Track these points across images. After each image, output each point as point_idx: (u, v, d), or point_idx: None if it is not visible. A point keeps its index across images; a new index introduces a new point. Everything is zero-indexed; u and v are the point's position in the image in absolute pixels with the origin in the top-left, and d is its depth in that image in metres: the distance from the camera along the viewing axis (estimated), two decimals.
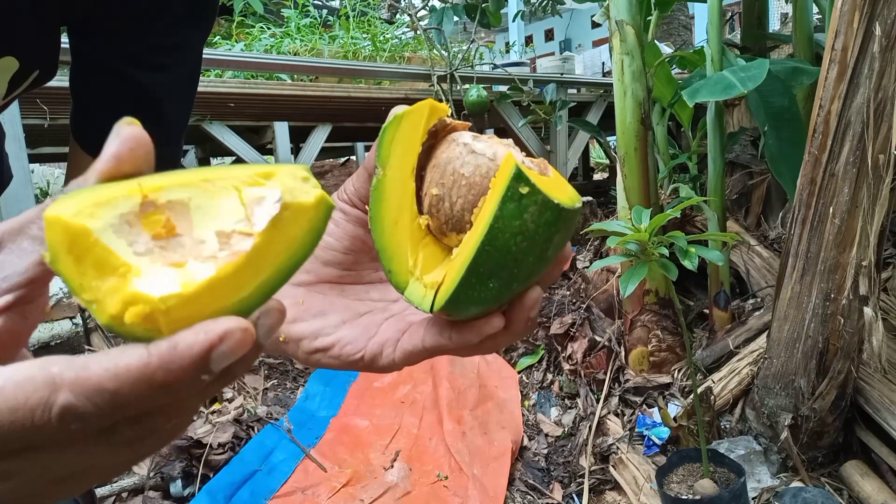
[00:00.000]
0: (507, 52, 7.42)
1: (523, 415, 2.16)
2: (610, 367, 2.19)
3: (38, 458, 0.23)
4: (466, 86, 2.90)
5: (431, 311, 0.33)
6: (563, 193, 0.31)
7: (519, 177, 0.29)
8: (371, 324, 0.38)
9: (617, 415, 2.06)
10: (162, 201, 0.24)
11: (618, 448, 1.89)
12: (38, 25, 0.50)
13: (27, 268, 0.25)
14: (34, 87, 0.54)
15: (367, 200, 0.38)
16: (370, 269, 0.41)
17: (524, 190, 0.29)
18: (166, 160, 0.61)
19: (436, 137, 0.36)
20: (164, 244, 0.24)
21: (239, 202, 0.25)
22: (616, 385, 2.15)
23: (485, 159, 0.33)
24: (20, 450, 0.23)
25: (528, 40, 12.07)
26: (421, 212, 0.36)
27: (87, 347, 2.10)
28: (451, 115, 0.37)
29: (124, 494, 1.71)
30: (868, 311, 1.48)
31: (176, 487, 1.72)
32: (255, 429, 1.98)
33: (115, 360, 0.22)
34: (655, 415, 1.95)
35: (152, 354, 0.22)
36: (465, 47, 3.25)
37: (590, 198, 3.24)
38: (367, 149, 7.60)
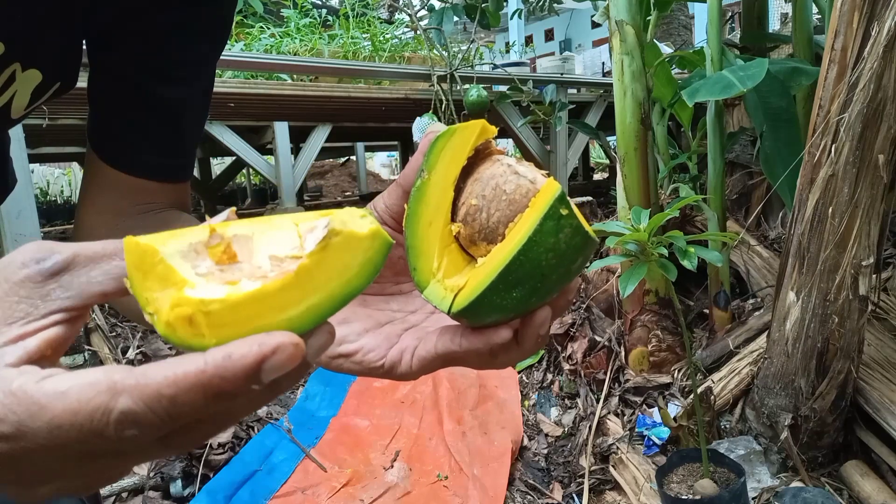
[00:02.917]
0: (507, 52, 7.42)
1: (523, 415, 2.16)
2: (610, 367, 2.19)
3: (94, 462, 0.25)
4: (466, 86, 2.90)
5: (449, 312, 0.34)
6: (586, 224, 0.34)
7: (562, 199, 0.32)
8: (392, 333, 0.40)
9: (617, 415, 2.06)
10: (228, 234, 0.27)
11: (618, 448, 1.89)
12: (63, 40, 0.51)
13: (92, 295, 0.28)
14: (55, 97, 0.55)
15: (398, 217, 0.41)
16: (391, 282, 0.43)
17: (564, 211, 0.32)
18: (180, 171, 0.63)
19: (476, 156, 0.38)
20: (224, 268, 0.26)
21: (296, 235, 0.28)
22: (616, 385, 2.15)
23: (526, 181, 0.35)
24: (76, 454, 0.24)
25: (528, 40, 12.07)
26: (453, 220, 0.38)
27: (86, 347, 2.10)
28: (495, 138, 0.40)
29: (124, 494, 1.71)
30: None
31: (176, 487, 1.72)
32: (255, 429, 1.98)
33: (174, 368, 0.23)
34: (655, 415, 1.95)
35: (208, 363, 0.23)
36: (464, 47, 3.25)
37: (590, 198, 3.25)
38: (368, 149, 7.60)
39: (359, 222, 0.28)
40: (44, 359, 0.26)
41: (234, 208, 0.29)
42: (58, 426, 0.23)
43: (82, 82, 0.55)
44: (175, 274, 0.25)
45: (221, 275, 0.26)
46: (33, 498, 0.26)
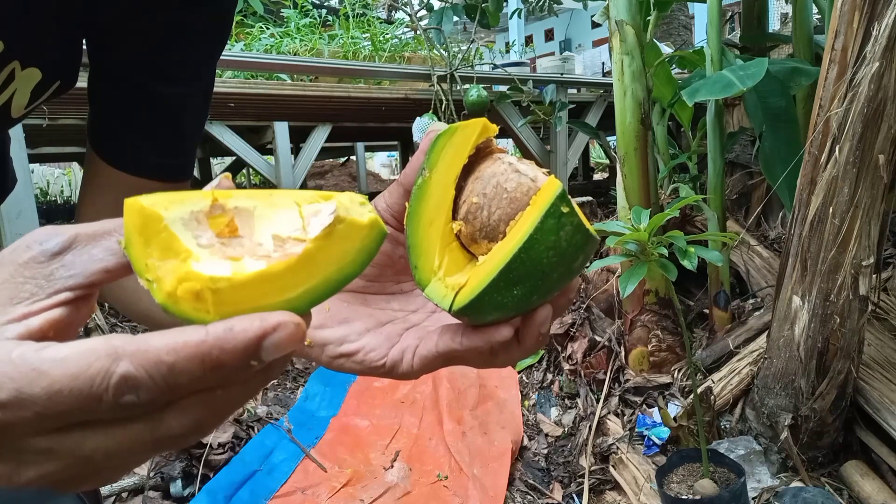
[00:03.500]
0: (507, 52, 7.42)
1: (523, 415, 2.16)
2: (610, 367, 2.19)
3: (86, 437, 0.25)
4: (466, 86, 2.90)
5: (450, 310, 0.34)
6: (588, 222, 0.34)
7: (563, 197, 0.32)
8: (393, 332, 0.40)
9: (617, 415, 2.06)
10: (230, 206, 0.27)
11: (618, 448, 1.89)
12: (62, 38, 0.51)
13: (94, 272, 0.28)
14: (55, 96, 0.54)
15: (398, 216, 0.41)
16: (392, 282, 0.43)
17: (565, 209, 0.32)
18: (180, 170, 0.63)
19: (477, 155, 0.38)
20: (225, 242, 0.27)
21: (298, 215, 0.28)
22: (616, 385, 2.15)
23: (527, 179, 0.35)
24: (72, 425, 0.24)
25: (528, 40, 12.07)
26: (454, 218, 0.38)
27: None
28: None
29: (124, 494, 1.71)
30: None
31: (176, 487, 1.72)
32: (255, 429, 1.98)
33: (175, 337, 0.23)
34: (655, 415, 1.95)
35: (209, 333, 0.23)
36: (464, 47, 3.25)
37: (590, 198, 3.24)
38: (368, 149, 7.59)
39: (359, 210, 0.28)
40: (45, 338, 0.26)
41: (228, 174, 0.30)
42: (57, 391, 0.23)
43: (82, 82, 0.55)
44: (178, 243, 0.25)
45: (223, 248, 0.26)
46: (17, 480, 0.25)
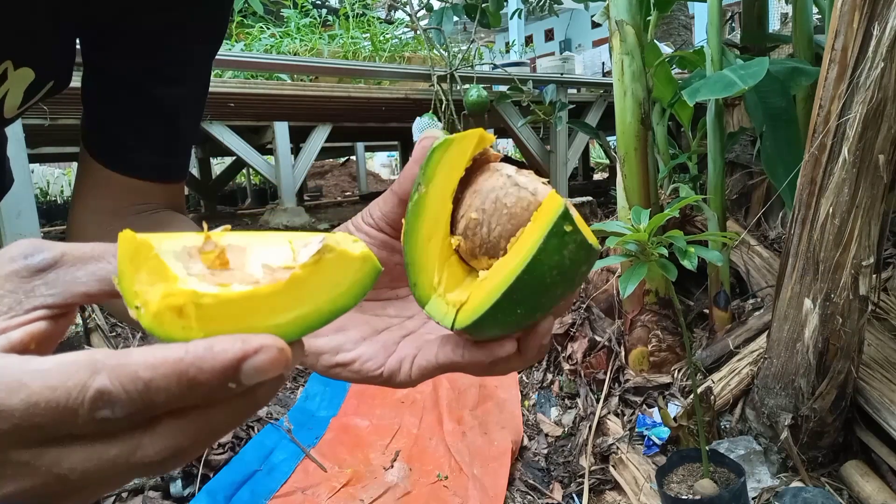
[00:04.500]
0: (507, 52, 7.42)
1: (523, 415, 2.16)
2: (610, 367, 2.19)
3: (63, 454, 0.24)
4: (466, 86, 2.90)
5: (452, 328, 0.34)
6: (589, 233, 0.33)
7: (566, 216, 0.31)
8: (390, 340, 0.39)
9: (617, 415, 2.06)
10: (222, 243, 0.27)
11: (618, 448, 1.89)
12: (55, 38, 0.51)
13: (75, 294, 0.27)
14: (48, 96, 0.54)
15: (393, 224, 0.40)
16: (387, 288, 0.43)
17: (568, 228, 0.31)
18: (176, 171, 0.62)
19: (474, 164, 0.38)
20: (216, 273, 0.27)
21: (290, 249, 0.28)
22: (616, 385, 2.15)
23: (527, 193, 0.35)
24: (51, 440, 0.24)
25: (528, 40, 12.07)
26: (453, 232, 0.37)
27: (86, 347, 2.10)
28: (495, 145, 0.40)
29: (124, 494, 1.71)
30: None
31: (176, 487, 1.72)
32: (255, 429, 1.98)
33: (154, 353, 0.23)
34: (655, 415, 1.95)
35: (189, 351, 0.23)
36: (464, 47, 3.25)
37: (590, 198, 3.24)
38: (368, 149, 7.59)
39: (351, 245, 0.28)
40: (27, 351, 0.26)
41: (228, 226, 0.30)
42: (34, 403, 0.22)
43: (78, 82, 0.55)
44: (167, 270, 0.25)
45: (213, 278, 0.26)
46: None
